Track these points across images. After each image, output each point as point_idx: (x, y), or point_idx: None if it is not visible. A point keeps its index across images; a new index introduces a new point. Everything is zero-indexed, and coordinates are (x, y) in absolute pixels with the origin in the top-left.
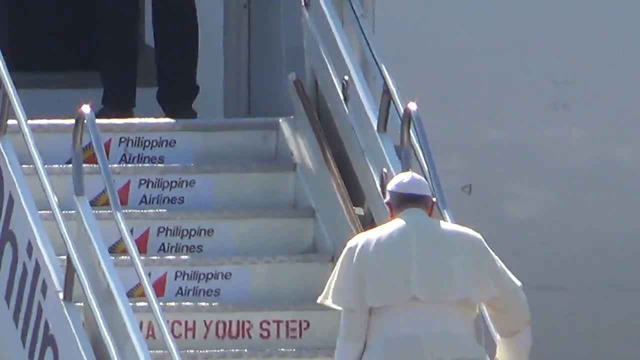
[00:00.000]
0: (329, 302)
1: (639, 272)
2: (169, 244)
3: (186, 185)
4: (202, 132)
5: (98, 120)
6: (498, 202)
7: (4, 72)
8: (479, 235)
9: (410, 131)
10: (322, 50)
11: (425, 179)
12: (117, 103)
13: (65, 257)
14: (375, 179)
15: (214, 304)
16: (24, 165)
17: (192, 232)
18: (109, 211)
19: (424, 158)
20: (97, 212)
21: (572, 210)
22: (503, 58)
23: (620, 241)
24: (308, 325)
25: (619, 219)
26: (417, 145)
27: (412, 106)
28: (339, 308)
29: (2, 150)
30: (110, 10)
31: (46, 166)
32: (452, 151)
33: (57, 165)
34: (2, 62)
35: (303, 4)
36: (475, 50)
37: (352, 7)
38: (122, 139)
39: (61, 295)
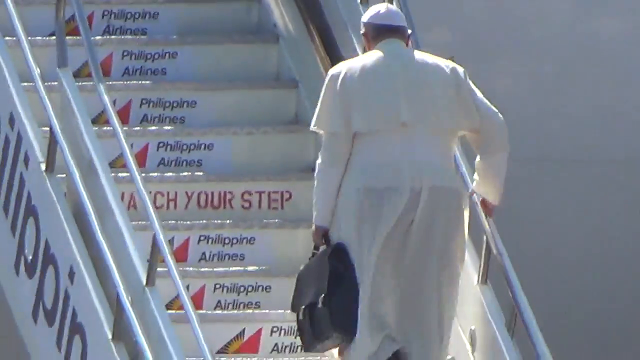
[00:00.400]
0: (315, 128)
1: None
2: (151, 115)
3: (168, 57)
4: (185, 4)
5: None
6: (482, 76)
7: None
8: (458, 66)
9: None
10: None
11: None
12: None
13: (47, 128)
14: (358, 50)
15: (196, 174)
16: (6, 37)
17: (175, 104)
18: (91, 83)
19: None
20: (80, 83)
21: (558, 84)
22: None
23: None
24: (290, 196)
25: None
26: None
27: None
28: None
29: None
30: None
31: (29, 38)
32: (434, 24)
33: (39, 37)
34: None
35: None
36: None
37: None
38: (105, 12)
39: (43, 167)
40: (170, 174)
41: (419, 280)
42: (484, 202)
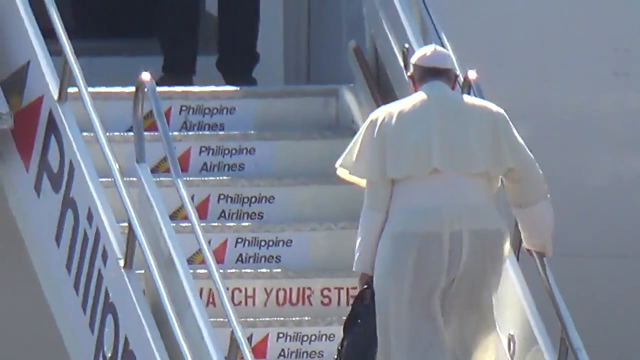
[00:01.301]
0: (349, 174)
1: None
2: (229, 210)
3: (246, 152)
4: (262, 99)
5: (158, 88)
6: (558, 168)
7: (64, 39)
8: (501, 109)
9: None
10: (382, 18)
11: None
12: (177, 71)
13: (126, 224)
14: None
15: (274, 270)
16: (84, 133)
17: (253, 199)
18: (169, 178)
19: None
20: (158, 179)
21: (633, 178)
22: (564, 25)
23: None
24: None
25: None
26: None
27: (472, 74)
28: (362, 182)
29: (63, 117)
30: None
31: (107, 134)
32: (512, 118)
33: (118, 133)
34: (62, 29)
35: None
36: (536, 16)
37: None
38: (183, 107)
39: (122, 263)
40: (248, 270)
41: (460, 322)
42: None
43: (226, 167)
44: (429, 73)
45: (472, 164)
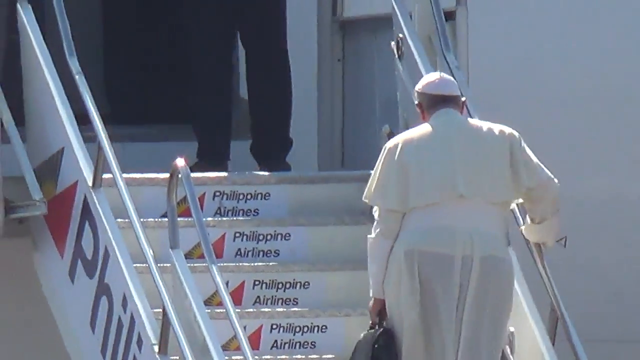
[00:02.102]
0: (370, 203)
1: None
2: (264, 296)
3: (281, 238)
4: (296, 185)
5: (193, 174)
6: (590, 255)
7: (99, 125)
8: (514, 131)
9: None
10: None
11: None
12: (212, 157)
13: (160, 310)
14: None
15: (309, 356)
16: (119, 219)
17: (287, 285)
18: (204, 264)
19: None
20: (192, 264)
21: None
22: (596, 107)
23: None
24: None
25: None
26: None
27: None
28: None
29: (98, 203)
30: (203, 64)
31: (141, 220)
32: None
33: (152, 219)
34: (97, 115)
35: (396, 56)
36: (569, 101)
37: (446, 59)
38: (217, 193)
39: (156, 349)
40: (283, 356)
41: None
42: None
43: (261, 253)
44: (439, 100)
45: (497, 192)
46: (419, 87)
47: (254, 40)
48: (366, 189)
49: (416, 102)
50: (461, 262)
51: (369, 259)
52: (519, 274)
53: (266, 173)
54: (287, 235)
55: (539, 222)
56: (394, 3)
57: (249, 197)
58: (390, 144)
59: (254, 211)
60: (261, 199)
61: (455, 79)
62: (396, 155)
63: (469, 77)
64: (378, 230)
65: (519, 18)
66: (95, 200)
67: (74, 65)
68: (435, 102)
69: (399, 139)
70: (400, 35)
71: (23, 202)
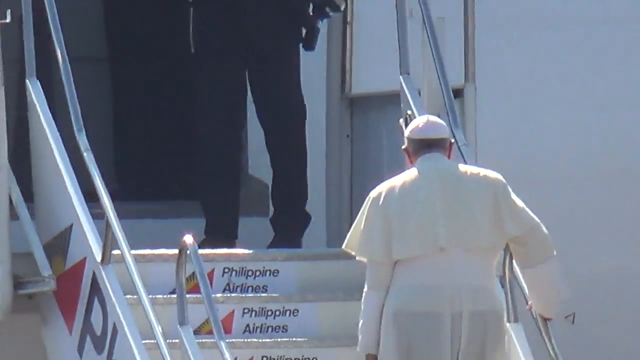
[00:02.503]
0: (356, 254)
1: None
2: None
3: (290, 314)
4: (305, 262)
5: (201, 250)
6: (600, 331)
7: (107, 201)
8: (499, 176)
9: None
10: None
11: None
12: (219, 234)
13: None
14: None
15: None
16: (128, 295)
17: None
18: (213, 340)
19: None
20: (201, 340)
21: None
22: (612, 187)
23: None
24: None
25: None
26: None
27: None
28: (364, 259)
29: (106, 280)
30: (212, 140)
31: (150, 296)
32: None
33: (160, 295)
34: (105, 191)
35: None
36: (576, 177)
37: (454, 137)
38: (226, 269)
39: None
40: None
41: None
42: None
43: (269, 329)
44: (424, 145)
45: (479, 239)
46: (407, 132)
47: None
48: (348, 236)
49: (403, 147)
50: (451, 319)
51: (361, 313)
52: (526, 348)
53: (275, 250)
54: (296, 311)
55: (529, 267)
56: (402, 80)
57: (257, 273)
58: (374, 193)
59: (263, 287)
60: (270, 275)
61: (463, 156)
62: (379, 205)
63: (476, 154)
64: (366, 283)
65: (527, 95)
66: (104, 277)
67: (82, 141)
68: (420, 147)
69: (382, 187)
70: (409, 112)
71: (32, 278)
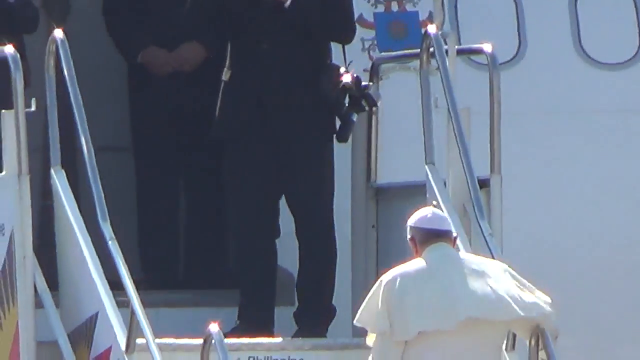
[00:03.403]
0: (371, 330)
1: None
2: None
3: None
4: (330, 351)
5: (227, 340)
6: None
7: (131, 291)
8: (503, 262)
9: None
10: None
11: None
12: (254, 322)
13: None
14: None
15: None
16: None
17: None
18: None
19: None
20: None
21: None
22: (637, 279)
23: None
24: None
25: None
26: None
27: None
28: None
29: None
30: (248, 231)
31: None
32: None
33: None
34: (130, 280)
35: None
36: (606, 270)
37: (480, 225)
38: (251, 358)
39: None
40: None
41: None
42: None
43: None
44: (432, 235)
45: (504, 311)
46: (411, 221)
47: (302, 209)
48: (359, 312)
49: (409, 237)
50: None
51: None
52: None
53: (300, 339)
54: None
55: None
56: (427, 170)
57: None
58: (387, 276)
59: None
60: None
61: (489, 246)
62: (395, 288)
63: (502, 244)
64: None
65: (552, 186)
66: None
67: (107, 230)
68: (428, 237)
69: (395, 272)
70: (434, 202)
71: None
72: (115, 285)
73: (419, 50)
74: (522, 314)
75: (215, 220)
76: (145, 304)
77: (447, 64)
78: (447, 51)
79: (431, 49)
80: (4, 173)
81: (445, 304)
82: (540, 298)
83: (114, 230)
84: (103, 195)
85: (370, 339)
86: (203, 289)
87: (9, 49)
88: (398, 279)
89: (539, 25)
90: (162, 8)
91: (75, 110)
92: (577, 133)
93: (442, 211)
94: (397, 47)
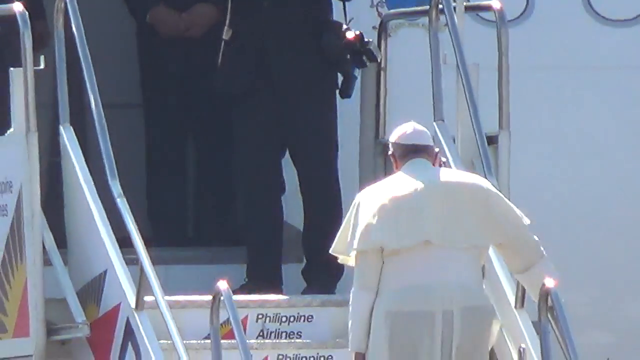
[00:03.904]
0: (340, 251)
1: None
2: None
3: None
4: (339, 308)
5: (235, 297)
6: None
7: (140, 248)
8: (486, 181)
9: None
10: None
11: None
12: (262, 279)
13: None
14: (513, 355)
15: None
16: (162, 341)
17: None
18: None
19: (563, 334)
20: None
21: None
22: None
23: None
24: None
25: None
26: (554, 322)
27: (549, 282)
28: (351, 263)
29: (140, 326)
30: (253, 183)
31: (184, 342)
32: (591, 326)
33: (195, 341)
34: (139, 237)
35: None
36: (611, 224)
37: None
38: (260, 315)
39: None
40: None
41: None
42: None
43: None
44: (411, 150)
45: (465, 237)
46: (392, 137)
47: (306, 164)
48: (334, 243)
49: (390, 152)
50: (442, 317)
51: (350, 313)
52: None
53: (309, 296)
54: (330, 357)
55: (522, 270)
56: (436, 127)
57: (292, 319)
58: (360, 195)
59: (297, 334)
60: (304, 321)
61: None
62: (366, 203)
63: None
64: (355, 284)
65: (559, 141)
66: (138, 323)
67: (115, 188)
68: (407, 152)
69: (368, 189)
70: (444, 159)
71: (65, 324)
72: (124, 242)
73: (427, 7)
74: (489, 240)
75: (224, 178)
76: (154, 261)
77: (456, 20)
78: (455, 8)
79: (440, 6)
80: (12, 130)
81: (411, 225)
82: (521, 220)
83: (122, 188)
84: (112, 152)
85: (352, 260)
86: (212, 246)
87: (18, 7)
88: (369, 197)
89: None
90: None
91: (84, 68)
92: (585, 89)
93: (447, 162)
94: (406, 3)
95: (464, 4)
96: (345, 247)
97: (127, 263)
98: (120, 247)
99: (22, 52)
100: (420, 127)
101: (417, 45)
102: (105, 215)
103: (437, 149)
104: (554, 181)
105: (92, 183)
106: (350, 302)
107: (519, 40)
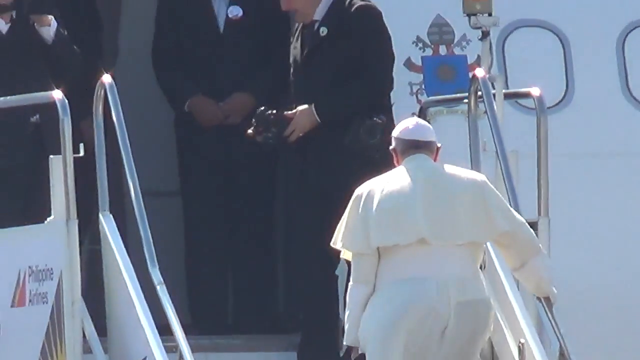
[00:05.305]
0: (339, 247)
1: None
2: None
3: None
4: None
5: None
6: None
7: (180, 336)
8: (483, 177)
9: None
10: (497, 310)
11: None
12: None
13: None
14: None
15: None
16: None
17: None
18: None
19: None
20: None
21: None
22: None
23: None
24: None
25: None
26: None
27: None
28: (348, 256)
29: None
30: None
31: None
32: None
33: None
34: (178, 326)
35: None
36: None
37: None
38: None
39: None
40: None
41: None
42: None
43: None
44: (412, 146)
45: (460, 234)
46: (394, 132)
47: None
48: (335, 234)
49: (391, 148)
50: (437, 310)
51: (346, 306)
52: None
53: None
54: None
55: (521, 266)
56: None
57: None
58: (358, 190)
59: None
60: None
61: None
62: (362, 201)
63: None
64: (352, 278)
65: (598, 228)
66: None
67: (155, 275)
68: (408, 147)
69: (366, 185)
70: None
71: None
72: (164, 330)
73: (466, 93)
74: (484, 237)
75: (264, 265)
76: (193, 348)
77: (495, 107)
78: (494, 95)
79: (479, 93)
80: (52, 217)
81: (404, 221)
82: (515, 217)
83: (162, 275)
84: (151, 239)
85: (348, 254)
86: (252, 334)
87: (57, 94)
88: (366, 192)
89: (587, 68)
90: (210, 57)
91: (123, 155)
92: (625, 175)
93: None
94: (445, 90)
95: (503, 91)
96: (343, 243)
97: (167, 351)
98: (160, 334)
99: (61, 139)
100: (423, 122)
101: (457, 132)
102: (145, 303)
103: (439, 145)
104: (592, 268)
105: (133, 270)
106: (346, 296)
107: (558, 126)
